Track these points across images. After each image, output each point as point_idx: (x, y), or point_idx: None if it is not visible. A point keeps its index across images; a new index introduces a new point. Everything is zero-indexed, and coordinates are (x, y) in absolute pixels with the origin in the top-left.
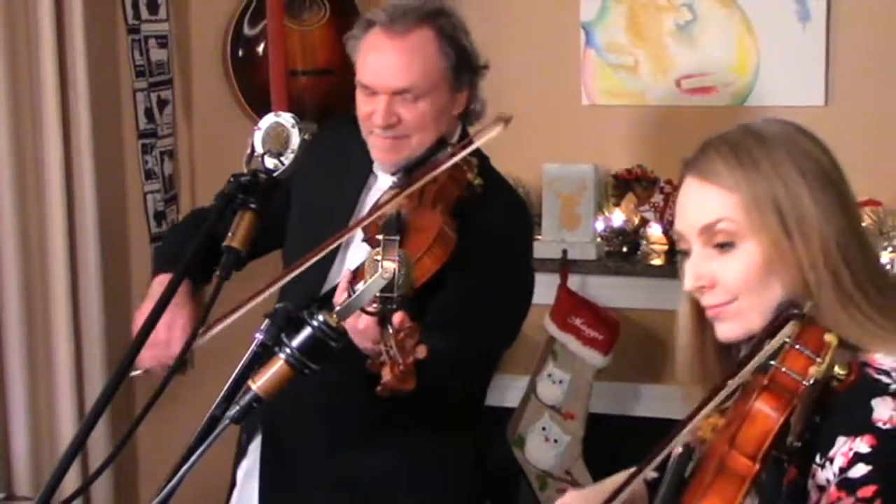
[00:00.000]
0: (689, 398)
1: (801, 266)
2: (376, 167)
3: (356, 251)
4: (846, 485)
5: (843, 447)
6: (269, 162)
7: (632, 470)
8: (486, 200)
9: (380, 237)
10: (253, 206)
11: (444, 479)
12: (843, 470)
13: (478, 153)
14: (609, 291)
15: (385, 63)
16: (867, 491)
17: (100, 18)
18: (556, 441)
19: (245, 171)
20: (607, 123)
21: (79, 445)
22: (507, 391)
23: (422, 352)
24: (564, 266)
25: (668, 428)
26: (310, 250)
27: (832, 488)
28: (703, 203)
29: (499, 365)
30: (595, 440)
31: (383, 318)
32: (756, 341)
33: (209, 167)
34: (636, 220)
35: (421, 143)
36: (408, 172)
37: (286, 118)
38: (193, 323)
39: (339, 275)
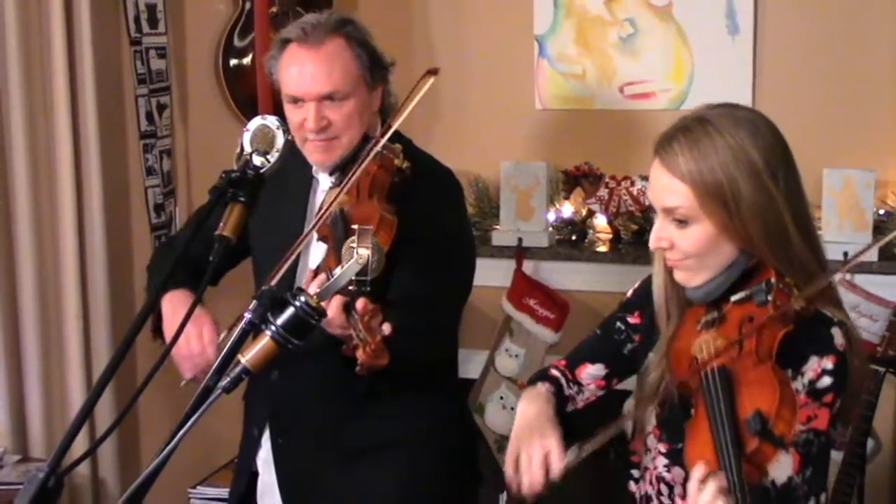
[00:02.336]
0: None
1: (744, 238)
2: (315, 171)
3: (315, 250)
4: (814, 393)
5: (815, 364)
6: (257, 160)
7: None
8: (417, 183)
9: (355, 227)
10: (242, 199)
11: (432, 431)
12: (812, 382)
13: (399, 138)
14: (560, 275)
15: (308, 73)
16: (829, 398)
17: (105, 32)
18: (512, 409)
19: (235, 167)
20: (558, 125)
21: (87, 413)
22: (468, 364)
23: (387, 329)
24: (520, 253)
25: (611, 397)
26: (278, 262)
27: (801, 395)
28: (665, 189)
29: (461, 322)
30: None
31: (348, 307)
32: (737, 279)
33: (203, 164)
34: (584, 212)
35: (350, 140)
36: (343, 170)
37: (272, 121)
38: (215, 326)
39: (304, 273)
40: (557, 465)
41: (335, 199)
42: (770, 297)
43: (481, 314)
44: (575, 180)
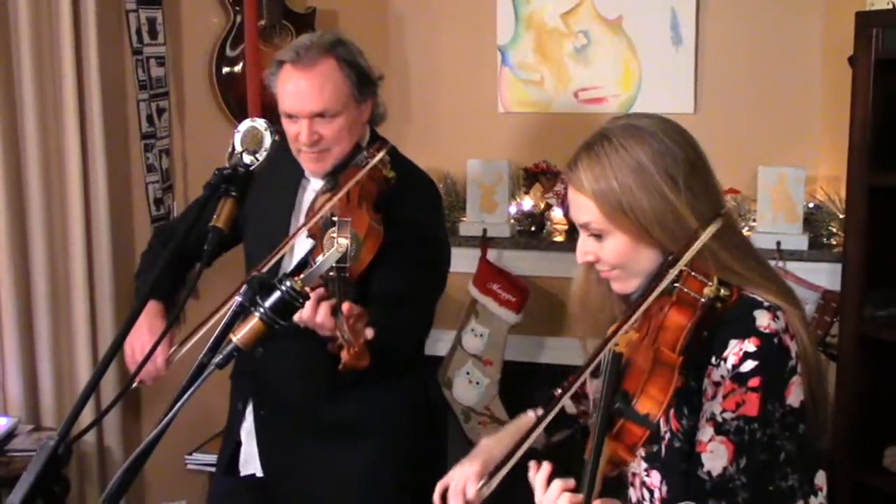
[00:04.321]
0: (586, 349)
1: (655, 243)
2: (308, 174)
3: (299, 244)
4: (738, 378)
5: (735, 348)
6: (247, 158)
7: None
8: (401, 190)
9: (335, 218)
10: (234, 193)
11: (401, 410)
12: (735, 367)
13: (383, 144)
14: (520, 262)
15: (301, 92)
16: (755, 382)
17: (110, 43)
18: (477, 383)
19: (227, 165)
20: (519, 127)
21: (93, 386)
22: (438, 342)
23: (369, 333)
24: (484, 242)
25: (567, 371)
26: (266, 249)
27: (727, 382)
28: (577, 207)
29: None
30: (509, 382)
31: (335, 309)
32: (653, 277)
33: (198, 162)
34: (542, 206)
35: (342, 151)
36: (334, 175)
37: (260, 123)
38: (168, 340)
39: (289, 262)
40: (470, 492)
41: (328, 204)
42: (676, 286)
43: (449, 297)
44: (534, 177)
